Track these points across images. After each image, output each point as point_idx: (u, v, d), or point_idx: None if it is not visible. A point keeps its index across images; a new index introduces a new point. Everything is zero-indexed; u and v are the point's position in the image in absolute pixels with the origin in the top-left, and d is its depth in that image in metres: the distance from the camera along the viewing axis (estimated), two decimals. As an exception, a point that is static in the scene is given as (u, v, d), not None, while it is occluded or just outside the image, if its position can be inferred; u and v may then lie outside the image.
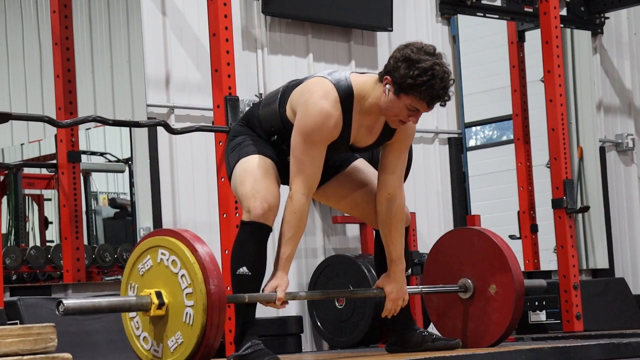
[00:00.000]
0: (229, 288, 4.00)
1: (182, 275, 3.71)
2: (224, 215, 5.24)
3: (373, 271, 6.00)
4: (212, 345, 3.70)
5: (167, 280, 3.75)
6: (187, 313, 3.69)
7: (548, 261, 7.33)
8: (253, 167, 4.08)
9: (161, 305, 3.75)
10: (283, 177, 4.14)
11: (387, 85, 3.96)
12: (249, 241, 4.00)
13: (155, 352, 3.81)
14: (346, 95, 4.01)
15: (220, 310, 3.68)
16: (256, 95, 6.34)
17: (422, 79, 3.89)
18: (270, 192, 4.02)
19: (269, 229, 4.02)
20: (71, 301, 3.61)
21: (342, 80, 4.03)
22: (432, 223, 7.17)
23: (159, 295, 3.75)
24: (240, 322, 4.00)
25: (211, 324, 3.67)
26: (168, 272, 3.75)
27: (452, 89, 3.97)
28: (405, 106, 3.95)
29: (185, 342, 3.71)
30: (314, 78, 4.09)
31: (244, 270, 3.98)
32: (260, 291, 4.02)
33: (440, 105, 3.99)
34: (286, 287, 4.01)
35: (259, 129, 4.19)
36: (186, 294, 3.69)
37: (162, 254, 3.77)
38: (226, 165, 4.24)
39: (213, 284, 3.67)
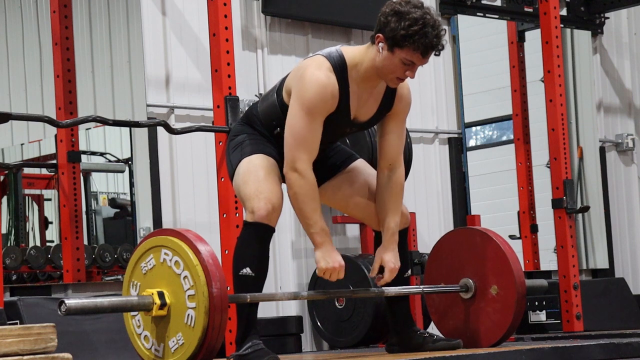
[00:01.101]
0: (229, 288, 4.00)
1: (185, 277, 3.71)
2: (224, 215, 5.24)
3: (373, 271, 5.99)
4: (214, 347, 3.70)
5: (169, 281, 3.75)
6: (188, 314, 3.69)
7: (548, 261, 7.34)
8: (255, 167, 4.07)
9: (163, 305, 3.75)
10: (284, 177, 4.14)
11: (380, 44, 3.97)
12: (252, 242, 3.99)
13: (156, 351, 3.81)
14: (339, 64, 4.02)
15: (222, 312, 3.68)
16: (256, 95, 6.34)
17: (414, 28, 3.89)
18: (273, 193, 4.02)
19: (272, 230, 4.02)
20: (73, 301, 3.61)
21: (333, 52, 4.06)
22: (432, 223, 7.17)
23: (161, 295, 3.75)
24: (242, 322, 4.00)
25: (212, 326, 3.67)
26: (171, 273, 3.75)
27: (445, 37, 3.98)
28: (400, 61, 3.95)
29: (186, 343, 3.71)
30: (305, 59, 4.11)
31: (247, 271, 3.98)
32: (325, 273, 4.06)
33: (435, 54, 3.99)
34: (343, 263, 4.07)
35: (259, 125, 4.19)
36: (188, 296, 3.69)
37: (165, 254, 3.77)
38: (227, 165, 4.23)
39: (215, 287, 3.67)
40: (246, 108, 6.02)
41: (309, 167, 4.01)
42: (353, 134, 4.52)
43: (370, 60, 4.02)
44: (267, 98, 4.20)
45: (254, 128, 4.20)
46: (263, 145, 4.15)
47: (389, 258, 4.25)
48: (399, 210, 4.27)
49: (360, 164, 4.37)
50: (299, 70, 4.05)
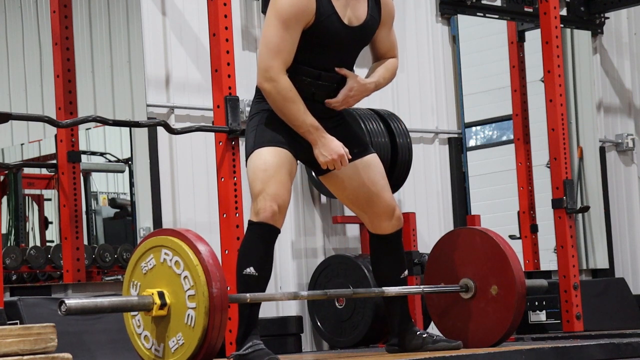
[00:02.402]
0: (229, 288, 4.00)
1: (185, 277, 3.71)
2: (224, 215, 5.24)
3: (373, 271, 6.00)
4: (214, 347, 3.71)
5: (169, 281, 3.75)
6: (188, 315, 3.69)
7: (548, 261, 7.33)
8: (265, 164, 4.07)
9: (163, 305, 3.75)
10: (294, 169, 4.15)
11: None
12: (257, 242, 4.00)
13: (156, 351, 3.81)
14: None
15: (222, 312, 3.69)
16: (256, 95, 6.33)
17: None
18: (280, 193, 4.02)
19: (277, 231, 4.03)
20: (73, 301, 3.61)
21: None
22: (432, 223, 7.17)
23: (161, 295, 3.75)
24: (243, 322, 4.01)
25: (213, 327, 3.67)
26: (171, 273, 3.75)
27: None
28: None
29: (186, 343, 3.71)
30: None
31: (250, 270, 3.99)
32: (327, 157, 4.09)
33: None
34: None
35: None
36: (188, 296, 3.69)
37: (165, 254, 3.77)
38: (245, 143, 4.24)
39: (215, 287, 3.67)
40: (246, 108, 6.05)
41: (282, 73, 4.05)
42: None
43: None
44: None
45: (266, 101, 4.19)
46: (276, 130, 4.14)
47: (353, 84, 4.22)
48: (385, 76, 4.32)
49: (375, 159, 4.36)
50: None
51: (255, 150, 4.13)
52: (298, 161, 4.23)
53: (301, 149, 4.16)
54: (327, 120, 4.21)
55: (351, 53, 4.29)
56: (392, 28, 4.37)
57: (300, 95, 4.11)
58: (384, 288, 4.36)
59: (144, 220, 5.97)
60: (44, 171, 6.06)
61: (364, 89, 4.25)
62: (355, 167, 4.30)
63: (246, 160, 4.20)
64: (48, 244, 5.93)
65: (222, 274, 3.71)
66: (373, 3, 4.26)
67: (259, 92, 4.24)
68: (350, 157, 4.17)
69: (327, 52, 4.17)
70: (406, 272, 4.43)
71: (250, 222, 4.05)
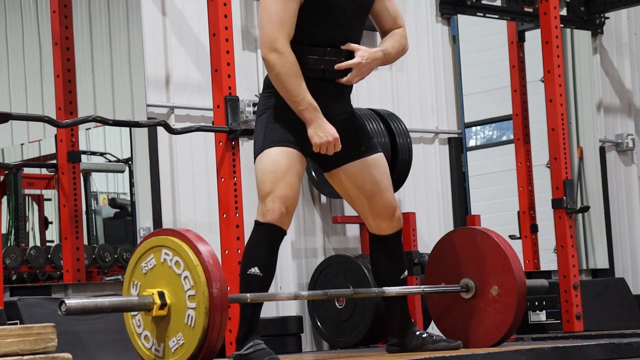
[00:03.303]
0: (229, 288, 4.00)
1: (185, 277, 3.71)
2: (224, 215, 5.24)
3: (373, 271, 6.00)
4: (214, 348, 3.71)
5: (170, 281, 3.75)
6: (189, 315, 3.69)
7: (548, 261, 7.33)
8: (275, 165, 4.06)
9: (163, 305, 3.75)
10: (302, 167, 4.14)
11: None
12: (263, 242, 4.01)
13: (157, 351, 3.81)
14: None
15: (223, 313, 3.69)
16: (256, 95, 6.33)
17: None
18: (288, 195, 4.02)
19: (283, 233, 4.04)
20: (73, 301, 3.61)
21: None
22: (432, 223, 7.17)
23: (161, 295, 3.75)
24: (244, 321, 4.01)
25: (213, 327, 3.67)
26: (171, 273, 3.75)
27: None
28: None
29: (186, 343, 3.71)
30: None
31: (255, 270, 4.00)
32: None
33: None
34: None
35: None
36: (189, 296, 3.69)
37: (165, 254, 3.77)
38: (254, 141, 4.22)
39: (216, 287, 3.67)
40: (247, 108, 6.06)
41: (287, 45, 4.03)
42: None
43: None
44: None
45: (277, 97, 4.16)
46: (286, 127, 4.12)
47: (363, 53, 4.20)
48: (397, 44, 4.31)
49: (381, 158, 4.36)
50: None
51: (264, 150, 4.11)
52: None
53: (310, 146, 4.14)
54: (337, 115, 4.20)
55: (354, 25, 4.25)
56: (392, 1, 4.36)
57: (311, 75, 4.10)
58: (384, 288, 4.36)
59: (144, 220, 5.96)
60: (44, 171, 6.06)
61: (373, 57, 4.21)
62: (361, 165, 4.29)
63: (254, 159, 4.19)
64: (48, 244, 5.92)
65: (223, 274, 3.71)
66: None
67: (267, 86, 4.22)
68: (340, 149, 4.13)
69: (329, 27, 4.14)
70: (406, 273, 4.43)
71: (257, 222, 4.04)
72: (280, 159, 4.08)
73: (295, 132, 4.12)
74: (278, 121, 4.14)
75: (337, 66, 4.16)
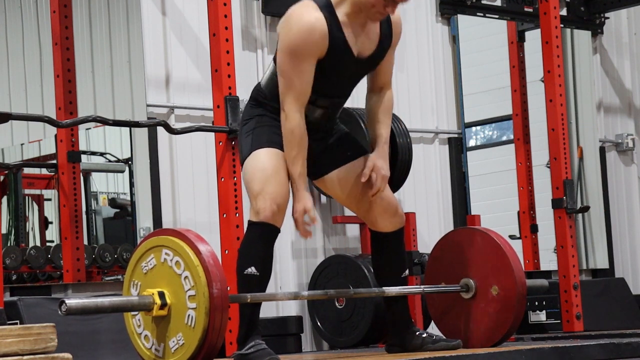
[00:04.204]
0: (229, 288, 4.00)
1: (186, 277, 3.71)
2: (224, 215, 5.24)
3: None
4: (214, 348, 3.70)
5: (170, 281, 3.75)
6: (189, 315, 3.69)
7: (548, 261, 7.33)
8: (263, 164, 4.07)
9: (163, 305, 3.75)
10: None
11: None
12: (257, 242, 4.00)
13: (157, 351, 3.81)
14: (324, 3, 4.04)
15: (223, 313, 3.69)
16: (256, 95, 6.34)
17: None
18: (279, 193, 4.02)
19: (277, 231, 4.03)
20: (74, 301, 3.61)
21: None
22: (432, 223, 7.17)
23: (161, 295, 3.75)
24: (244, 322, 4.00)
25: (213, 327, 3.67)
26: (172, 273, 3.75)
27: None
28: None
29: (186, 343, 3.71)
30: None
31: (252, 270, 3.99)
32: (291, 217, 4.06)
33: None
34: (311, 205, 4.05)
35: (269, 104, 4.17)
36: (189, 296, 3.69)
37: (166, 254, 3.77)
38: (239, 149, 4.24)
39: (216, 287, 3.67)
40: (246, 108, 6.04)
41: (295, 109, 4.02)
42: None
43: None
44: (268, 69, 4.21)
45: (263, 107, 4.18)
46: (273, 132, 4.13)
47: (381, 164, 4.24)
48: (388, 123, 4.31)
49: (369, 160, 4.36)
50: (285, 16, 4.06)
51: (252, 152, 4.12)
52: None
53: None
54: (316, 132, 4.22)
55: (355, 81, 4.28)
56: (394, 50, 4.31)
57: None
58: (384, 288, 4.36)
59: (144, 220, 5.96)
60: (44, 171, 6.06)
61: (384, 158, 4.26)
62: (347, 169, 4.30)
63: (242, 165, 4.19)
64: (48, 244, 5.93)
65: (223, 275, 3.71)
66: (386, 24, 4.20)
67: (253, 98, 4.25)
68: (314, 219, 4.09)
69: (329, 81, 4.14)
70: (407, 272, 4.43)
71: (250, 222, 4.04)
72: (269, 159, 4.08)
73: (282, 136, 4.13)
74: (265, 126, 4.16)
75: (362, 179, 4.24)
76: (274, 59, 4.14)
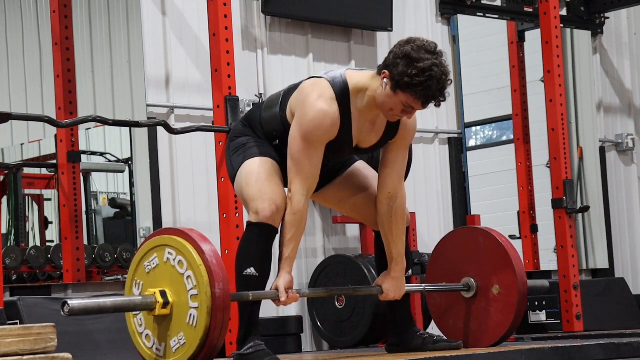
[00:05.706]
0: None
1: (188, 277, 3.70)
2: (224, 215, 5.24)
3: (373, 271, 6.00)
4: (215, 347, 3.70)
5: (172, 280, 3.75)
6: (191, 314, 3.69)
7: (548, 261, 7.33)
8: (258, 169, 4.08)
9: (166, 304, 3.74)
10: (285, 180, 4.14)
11: (385, 80, 3.97)
12: (256, 242, 4.00)
13: (158, 350, 3.81)
14: (342, 91, 4.02)
15: (225, 313, 3.68)
16: (256, 95, 6.34)
17: (419, 79, 3.90)
18: (276, 193, 4.03)
19: (275, 231, 4.03)
20: (76, 301, 3.60)
21: (338, 77, 4.05)
22: (432, 223, 7.17)
23: (163, 294, 3.75)
24: (244, 322, 4.00)
25: (215, 327, 3.66)
26: (174, 272, 3.74)
27: (449, 90, 3.99)
28: (400, 102, 3.96)
29: (187, 343, 3.71)
30: (310, 79, 4.10)
31: (251, 271, 3.99)
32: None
33: (435, 105, 4.01)
34: (288, 284, 4.01)
35: (260, 131, 4.19)
36: (191, 296, 3.69)
37: (169, 253, 3.77)
38: (228, 166, 4.23)
39: (218, 287, 3.67)
40: (246, 108, 6.05)
41: (302, 193, 4.02)
42: None
43: (373, 91, 4.02)
44: (271, 108, 4.19)
45: (254, 131, 4.21)
46: (265, 148, 4.15)
47: (388, 287, 4.28)
48: (402, 239, 4.28)
49: (360, 165, 4.37)
50: (302, 94, 4.04)
51: (245, 162, 4.13)
52: None
53: (286, 175, 4.14)
54: None
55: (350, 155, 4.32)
56: (407, 148, 4.23)
57: None
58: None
59: (144, 220, 5.96)
60: (44, 171, 6.06)
61: (401, 279, 4.29)
62: (338, 183, 4.32)
63: (231, 180, 4.19)
64: (48, 244, 5.92)
65: (226, 274, 3.71)
66: (394, 123, 4.16)
67: (247, 119, 4.26)
68: (295, 294, 4.07)
69: (324, 157, 4.13)
70: (410, 272, 4.42)
71: (249, 223, 4.04)
72: (262, 166, 4.09)
73: (273, 151, 4.15)
74: (255, 142, 4.17)
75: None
76: (280, 107, 4.12)
